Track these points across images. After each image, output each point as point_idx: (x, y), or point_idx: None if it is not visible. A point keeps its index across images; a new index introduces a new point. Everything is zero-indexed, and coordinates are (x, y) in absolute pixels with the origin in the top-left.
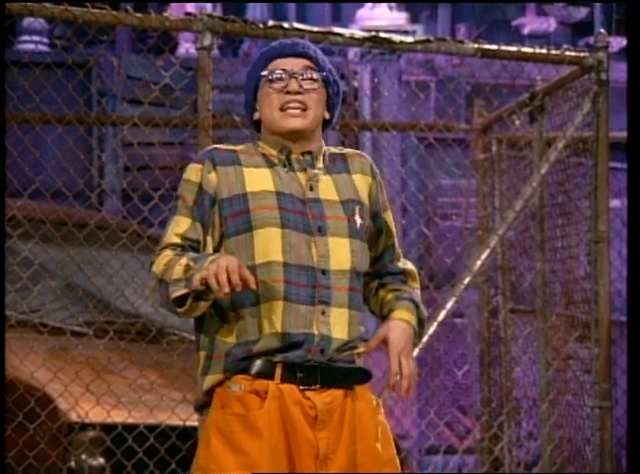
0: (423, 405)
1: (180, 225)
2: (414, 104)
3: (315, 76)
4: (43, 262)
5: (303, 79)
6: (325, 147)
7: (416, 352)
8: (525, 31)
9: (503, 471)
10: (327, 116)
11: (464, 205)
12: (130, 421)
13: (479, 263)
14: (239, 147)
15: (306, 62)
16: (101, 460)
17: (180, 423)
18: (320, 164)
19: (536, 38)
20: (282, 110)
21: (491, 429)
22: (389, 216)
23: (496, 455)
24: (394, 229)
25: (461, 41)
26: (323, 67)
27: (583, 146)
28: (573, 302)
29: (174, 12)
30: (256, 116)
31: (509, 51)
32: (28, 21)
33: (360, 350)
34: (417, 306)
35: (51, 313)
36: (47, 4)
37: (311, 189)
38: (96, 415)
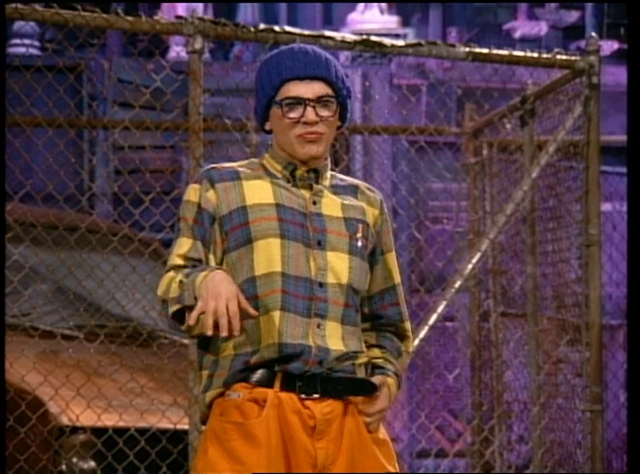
0: (414, 408)
1: (182, 246)
2: (405, 107)
3: (332, 101)
4: (34, 265)
5: (319, 106)
6: (335, 172)
7: None
8: (517, 34)
9: None
10: (338, 123)
11: (455, 209)
12: (121, 424)
13: (470, 266)
14: (240, 163)
15: (322, 86)
16: (92, 464)
17: (170, 426)
18: (326, 182)
19: (527, 41)
20: (298, 137)
21: (482, 432)
22: (392, 258)
23: (487, 459)
24: (397, 273)
25: (452, 45)
26: (338, 86)
27: (574, 150)
28: (564, 306)
29: (165, 14)
30: (267, 126)
31: (500, 55)
32: (19, 24)
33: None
34: (399, 381)
35: (42, 317)
36: (38, 7)
37: (314, 203)
38: (86, 418)
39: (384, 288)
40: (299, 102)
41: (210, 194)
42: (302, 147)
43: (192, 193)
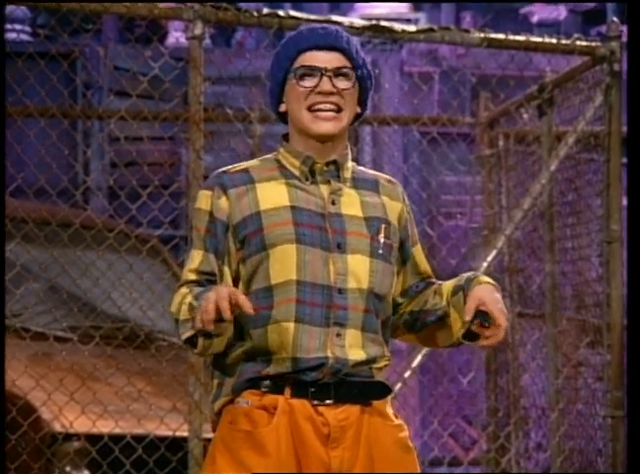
0: (426, 414)
1: (194, 260)
2: (416, 96)
3: (350, 74)
4: (26, 263)
5: (337, 77)
6: (352, 162)
7: (419, 358)
8: (534, 19)
9: None
10: (358, 110)
11: (469, 204)
12: (117, 431)
13: (485, 264)
14: (252, 163)
15: (340, 58)
16: (86, 472)
17: (169, 433)
18: (347, 174)
19: (546, 26)
20: (312, 110)
21: (498, 439)
22: (419, 251)
23: (503, 467)
24: (427, 266)
25: (466, 31)
26: (358, 63)
27: (594, 141)
28: (584, 306)
29: None
30: (282, 108)
31: (516, 41)
32: (9, 8)
33: (466, 318)
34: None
35: (34, 317)
36: None
37: (333, 203)
38: (81, 425)
39: (418, 280)
40: (315, 71)
41: (222, 201)
42: (314, 123)
43: (203, 200)
